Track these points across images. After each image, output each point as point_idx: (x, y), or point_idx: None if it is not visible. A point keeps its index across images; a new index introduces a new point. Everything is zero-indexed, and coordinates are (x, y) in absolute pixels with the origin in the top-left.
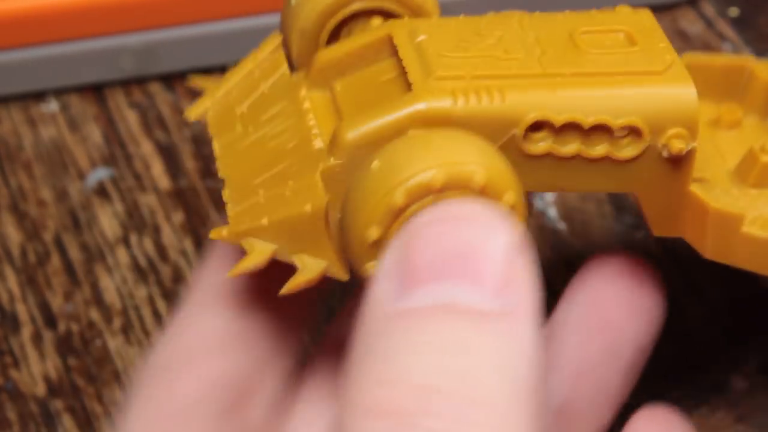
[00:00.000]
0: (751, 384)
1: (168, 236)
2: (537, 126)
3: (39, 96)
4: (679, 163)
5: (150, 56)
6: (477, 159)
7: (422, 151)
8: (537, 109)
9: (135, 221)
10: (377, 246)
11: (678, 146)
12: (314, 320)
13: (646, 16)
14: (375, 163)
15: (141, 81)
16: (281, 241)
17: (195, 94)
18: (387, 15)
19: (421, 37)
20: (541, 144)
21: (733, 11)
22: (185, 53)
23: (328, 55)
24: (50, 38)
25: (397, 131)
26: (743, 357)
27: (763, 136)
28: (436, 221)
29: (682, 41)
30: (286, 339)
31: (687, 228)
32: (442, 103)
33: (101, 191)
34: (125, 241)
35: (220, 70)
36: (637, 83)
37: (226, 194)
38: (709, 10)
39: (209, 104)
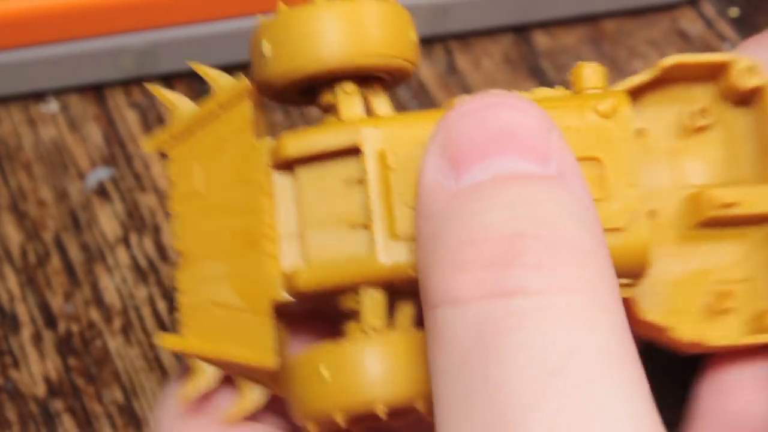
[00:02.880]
0: None
1: (168, 236)
2: None
3: (39, 96)
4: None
5: (150, 56)
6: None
7: (363, 378)
8: None
9: (135, 221)
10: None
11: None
12: None
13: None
14: (324, 372)
15: (141, 81)
16: (229, 371)
17: (196, 93)
18: (362, 78)
19: (390, 164)
20: None
21: (734, 11)
22: (185, 53)
23: (294, 142)
24: (50, 38)
25: (351, 286)
26: None
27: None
28: (469, 111)
29: (682, 41)
30: None
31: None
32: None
33: (101, 191)
34: (125, 241)
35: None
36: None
37: (179, 277)
38: (710, 10)
39: (170, 142)
